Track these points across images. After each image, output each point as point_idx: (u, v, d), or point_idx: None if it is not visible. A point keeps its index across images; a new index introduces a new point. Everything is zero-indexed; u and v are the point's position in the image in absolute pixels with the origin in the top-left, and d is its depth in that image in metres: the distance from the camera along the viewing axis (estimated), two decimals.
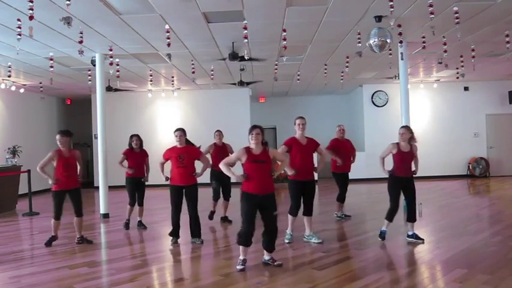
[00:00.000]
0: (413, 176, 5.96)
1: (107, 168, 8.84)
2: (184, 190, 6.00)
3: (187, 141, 6.17)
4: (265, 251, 4.92)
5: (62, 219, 6.29)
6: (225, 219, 7.54)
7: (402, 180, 5.87)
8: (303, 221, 6.01)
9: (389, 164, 5.95)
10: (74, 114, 15.49)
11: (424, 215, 7.86)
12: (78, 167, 6.28)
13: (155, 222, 7.80)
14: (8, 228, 7.92)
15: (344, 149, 7.54)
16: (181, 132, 6.04)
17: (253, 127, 4.83)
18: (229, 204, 7.50)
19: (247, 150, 4.78)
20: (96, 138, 12.18)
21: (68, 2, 5.05)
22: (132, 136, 7.24)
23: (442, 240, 5.97)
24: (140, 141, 7.22)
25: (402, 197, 5.91)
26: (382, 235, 5.96)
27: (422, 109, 14.16)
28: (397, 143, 5.93)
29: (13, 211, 9.79)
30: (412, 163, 5.98)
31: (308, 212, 5.96)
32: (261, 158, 4.73)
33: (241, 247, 4.81)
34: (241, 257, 4.83)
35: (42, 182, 11.90)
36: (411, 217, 5.90)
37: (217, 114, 14.09)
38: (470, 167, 13.97)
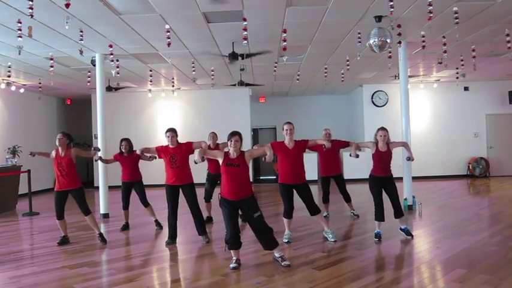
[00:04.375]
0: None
1: (106, 168, 8.84)
2: (181, 189, 6.03)
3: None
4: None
5: (68, 219, 6.30)
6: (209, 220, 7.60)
7: (381, 180, 5.96)
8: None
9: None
10: (74, 114, 15.50)
11: (424, 215, 7.86)
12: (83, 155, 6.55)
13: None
14: (8, 228, 7.92)
15: (332, 153, 7.42)
16: (172, 132, 6.03)
17: (232, 134, 4.85)
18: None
19: (225, 154, 4.87)
20: (96, 138, 12.16)
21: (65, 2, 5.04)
22: (121, 140, 7.23)
23: (442, 240, 5.96)
24: (130, 146, 7.19)
25: (399, 196, 5.94)
26: (378, 235, 6.01)
27: (422, 109, 14.16)
28: (376, 143, 5.98)
29: (13, 211, 9.80)
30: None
31: (312, 211, 5.93)
32: (236, 162, 4.78)
33: (231, 251, 4.89)
34: (234, 258, 4.91)
35: (42, 182, 11.99)
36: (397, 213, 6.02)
37: (217, 114, 14.09)
38: (470, 167, 13.97)
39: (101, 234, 6.33)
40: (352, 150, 6.20)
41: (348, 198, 7.71)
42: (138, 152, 6.23)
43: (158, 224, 7.29)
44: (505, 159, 14.16)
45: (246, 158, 4.85)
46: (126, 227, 7.28)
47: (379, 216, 5.99)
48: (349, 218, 7.80)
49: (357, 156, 6.11)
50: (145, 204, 7.28)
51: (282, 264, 4.84)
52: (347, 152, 13.05)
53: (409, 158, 6.29)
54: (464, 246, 5.52)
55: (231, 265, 4.84)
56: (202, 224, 6.16)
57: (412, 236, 6.00)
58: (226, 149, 7.14)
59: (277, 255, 4.92)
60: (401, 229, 6.08)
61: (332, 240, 5.96)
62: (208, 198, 7.61)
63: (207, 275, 4.71)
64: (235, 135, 4.85)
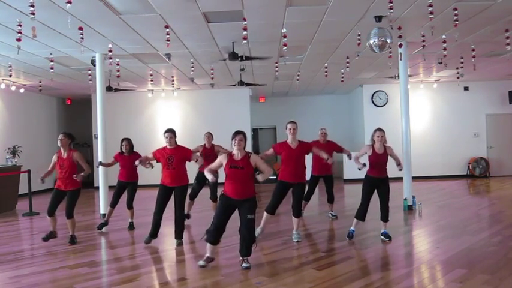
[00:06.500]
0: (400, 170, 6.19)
1: (106, 168, 8.81)
2: (174, 191, 6.01)
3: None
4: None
5: (63, 220, 6.29)
6: None
7: (375, 181, 5.96)
8: (297, 221, 6.07)
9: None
10: (74, 114, 15.49)
11: (424, 215, 7.86)
12: (83, 166, 6.26)
13: None
14: (8, 228, 7.92)
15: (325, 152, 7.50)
16: (171, 133, 6.01)
17: (237, 132, 4.88)
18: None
19: (229, 155, 4.88)
20: (96, 138, 12.17)
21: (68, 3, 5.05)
22: (122, 140, 7.23)
23: (442, 240, 5.97)
24: (130, 145, 7.17)
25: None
26: (350, 234, 6.01)
27: (422, 109, 14.16)
28: (372, 145, 6.01)
29: (13, 211, 9.80)
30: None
31: (295, 213, 6.01)
32: (240, 164, 4.79)
33: (208, 244, 4.89)
34: (207, 254, 4.90)
35: None
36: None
37: (217, 114, 14.09)
38: (470, 167, 13.97)
39: (72, 236, 6.30)
40: (357, 164, 6.04)
41: (331, 200, 7.81)
42: (136, 163, 6.13)
43: (131, 226, 7.30)
44: (505, 159, 14.16)
45: (251, 161, 4.84)
46: (104, 225, 7.25)
47: (361, 215, 5.97)
48: (348, 218, 7.79)
49: (364, 165, 5.97)
50: (130, 206, 7.28)
51: (242, 266, 4.81)
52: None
53: (399, 164, 6.14)
54: (464, 246, 5.52)
55: (200, 262, 4.85)
56: (181, 228, 6.09)
57: (390, 238, 5.93)
58: (220, 153, 7.17)
59: (244, 265, 4.82)
60: (381, 233, 6.04)
61: (295, 240, 6.02)
62: (192, 196, 7.59)
63: (207, 275, 4.71)
64: (239, 134, 4.87)
